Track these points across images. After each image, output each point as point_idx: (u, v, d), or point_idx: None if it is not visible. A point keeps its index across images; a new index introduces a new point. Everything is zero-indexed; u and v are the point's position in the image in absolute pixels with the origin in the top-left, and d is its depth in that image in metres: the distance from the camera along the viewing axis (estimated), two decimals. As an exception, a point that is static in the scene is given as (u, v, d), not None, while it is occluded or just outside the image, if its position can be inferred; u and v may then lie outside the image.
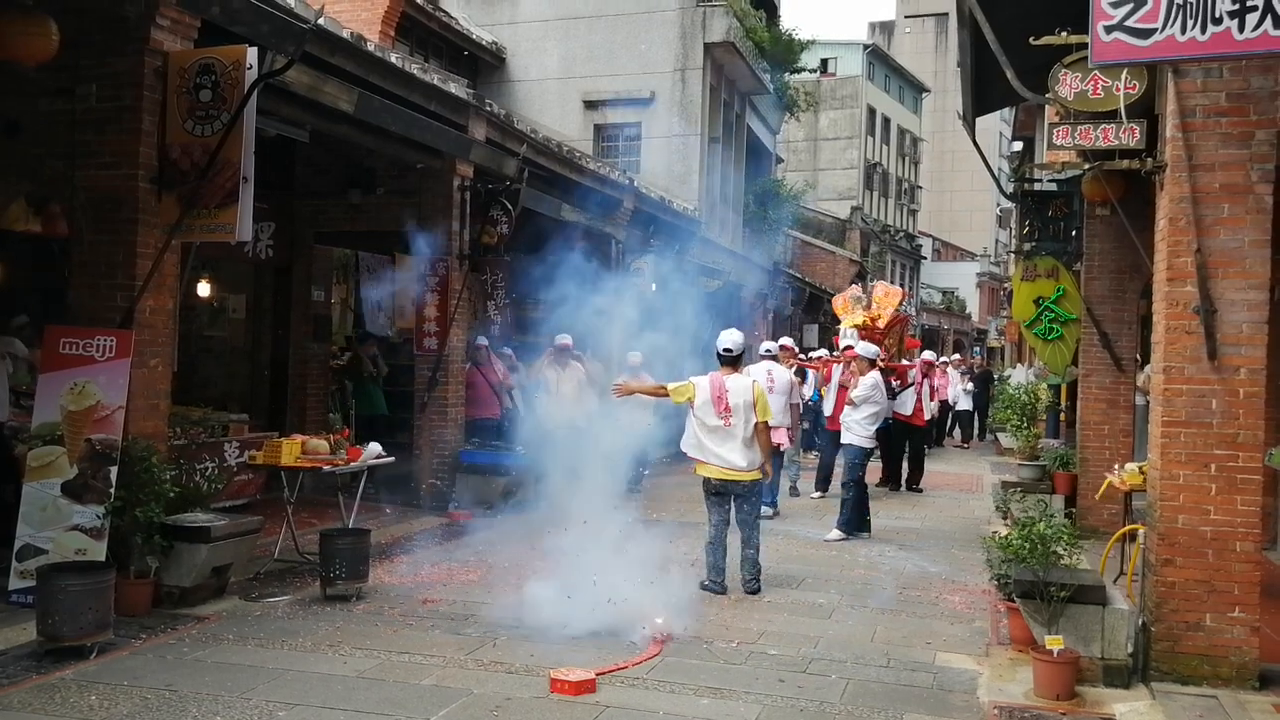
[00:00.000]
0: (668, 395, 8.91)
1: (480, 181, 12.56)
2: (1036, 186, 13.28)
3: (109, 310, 7.86)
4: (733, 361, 8.74)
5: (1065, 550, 6.84)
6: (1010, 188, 14.90)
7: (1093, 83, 6.94)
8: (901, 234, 53.11)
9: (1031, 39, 7.21)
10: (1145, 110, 7.04)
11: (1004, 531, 7.66)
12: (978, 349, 54.28)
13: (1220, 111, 6.33)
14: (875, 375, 11.86)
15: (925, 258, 56.62)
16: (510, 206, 12.48)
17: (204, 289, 12.59)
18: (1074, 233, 12.82)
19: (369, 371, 13.92)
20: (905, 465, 16.41)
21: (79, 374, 7.66)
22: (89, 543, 7.40)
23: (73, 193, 8.15)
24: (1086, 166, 8.40)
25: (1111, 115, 7.02)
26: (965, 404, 26.11)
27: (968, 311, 59.35)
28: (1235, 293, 6.36)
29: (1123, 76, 6.86)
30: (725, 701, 6.08)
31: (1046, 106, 7.87)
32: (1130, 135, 6.98)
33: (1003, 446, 22.19)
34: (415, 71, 11.27)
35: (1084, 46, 6.12)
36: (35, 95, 8.36)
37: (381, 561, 9.41)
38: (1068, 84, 6.98)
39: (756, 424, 8.60)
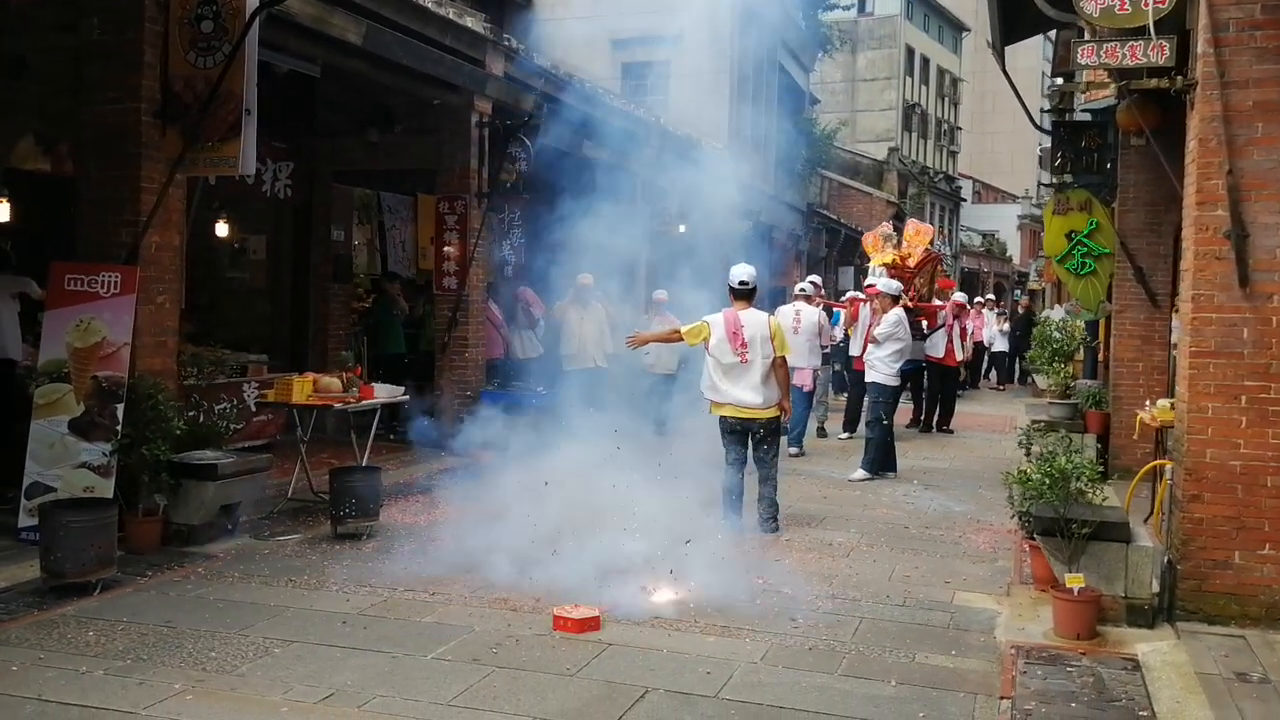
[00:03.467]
0: (682, 339, 8.72)
1: (499, 118, 12.33)
2: (1070, 117, 12.85)
3: (115, 246, 7.78)
4: (747, 295, 8.49)
5: (1088, 486, 6.62)
6: (1045, 121, 14.46)
7: (1120, -3, 6.61)
8: (941, 176, 52.30)
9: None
10: (1175, 26, 6.71)
11: (1027, 468, 7.45)
12: (1019, 292, 53.41)
13: (1255, 25, 6.01)
14: (898, 312, 11.59)
15: (965, 200, 55.70)
16: (529, 143, 12.28)
17: (223, 230, 12.48)
18: (1108, 165, 12.43)
19: (400, 310, 13.79)
20: (937, 407, 16.21)
21: (84, 310, 7.60)
22: (97, 480, 7.37)
23: (78, 129, 8.03)
24: (1114, 86, 8.05)
25: (1140, 32, 6.68)
26: (1001, 345, 25.74)
27: (1008, 254, 58.36)
28: (1269, 216, 6.07)
29: (1152, -10, 6.54)
30: (732, 640, 5.94)
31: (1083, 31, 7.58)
32: (1159, 52, 6.61)
33: (1039, 388, 21.86)
34: (429, 5, 11.03)
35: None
36: (40, 31, 8.25)
37: (396, 501, 9.34)
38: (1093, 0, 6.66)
39: (775, 359, 8.39)
